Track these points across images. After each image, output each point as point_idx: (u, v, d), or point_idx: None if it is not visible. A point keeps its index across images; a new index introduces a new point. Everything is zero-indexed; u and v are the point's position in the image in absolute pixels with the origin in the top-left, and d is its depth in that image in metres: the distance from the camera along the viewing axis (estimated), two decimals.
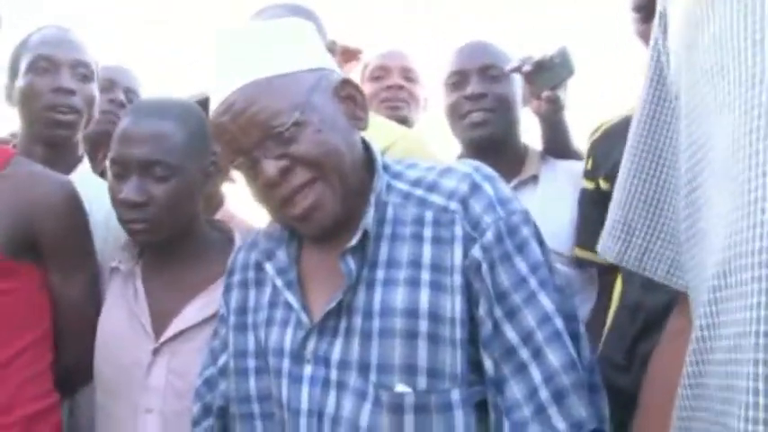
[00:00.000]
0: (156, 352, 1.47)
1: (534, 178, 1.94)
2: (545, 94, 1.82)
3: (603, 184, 1.64)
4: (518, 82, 1.93)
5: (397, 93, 2.34)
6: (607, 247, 1.03)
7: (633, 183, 0.99)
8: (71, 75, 1.74)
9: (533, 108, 1.91)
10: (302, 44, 1.20)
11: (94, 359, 1.54)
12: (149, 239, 1.50)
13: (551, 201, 1.83)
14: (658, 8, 0.94)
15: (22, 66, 1.74)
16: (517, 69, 1.86)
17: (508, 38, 2.22)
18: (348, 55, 2.18)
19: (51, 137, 1.75)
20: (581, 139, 1.98)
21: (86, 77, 1.78)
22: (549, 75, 1.81)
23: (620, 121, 1.66)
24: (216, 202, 1.90)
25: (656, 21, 0.94)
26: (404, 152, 1.73)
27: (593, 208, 1.71)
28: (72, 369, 1.58)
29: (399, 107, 2.32)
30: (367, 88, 2.37)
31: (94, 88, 1.81)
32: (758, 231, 0.68)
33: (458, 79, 1.93)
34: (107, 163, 1.51)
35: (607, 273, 1.72)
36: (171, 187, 1.46)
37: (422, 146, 1.86)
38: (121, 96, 2.20)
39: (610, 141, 1.65)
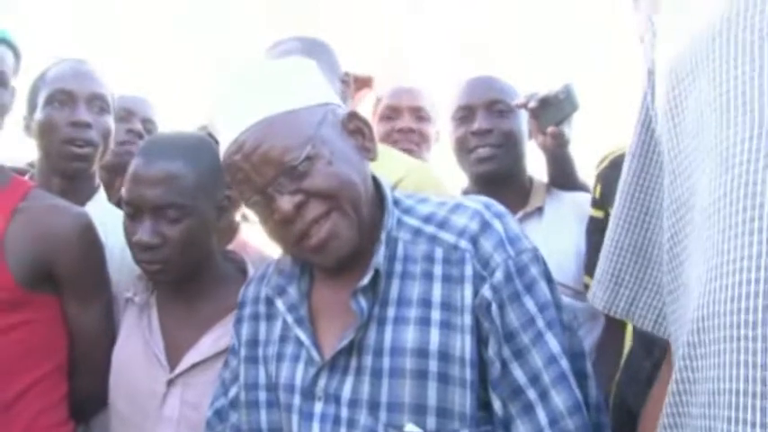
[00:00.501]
0: (170, 383, 1.49)
1: (539, 210, 1.97)
2: (550, 129, 1.85)
3: None
4: (524, 116, 1.96)
5: (408, 135, 2.38)
6: (596, 296, 1.06)
7: (622, 234, 1.01)
8: (87, 108, 1.77)
9: (539, 142, 1.94)
10: (307, 81, 1.23)
11: (109, 389, 1.57)
12: (164, 279, 1.53)
13: (556, 232, 1.87)
14: (647, 65, 0.97)
15: (40, 99, 1.77)
16: (523, 105, 1.89)
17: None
18: (359, 83, 2.20)
19: (68, 169, 1.78)
20: (586, 172, 2.01)
21: (103, 110, 1.81)
22: (553, 111, 1.84)
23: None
24: (230, 231, 1.92)
25: (645, 77, 0.97)
26: (415, 185, 1.76)
27: (601, 237, 1.73)
28: (87, 397, 1.60)
29: (411, 150, 2.35)
30: (378, 127, 2.42)
31: (110, 120, 1.84)
32: (729, 293, 0.70)
33: (464, 114, 1.97)
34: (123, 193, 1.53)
35: None
36: (185, 228, 1.47)
37: (433, 179, 1.89)
38: (139, 126, 2.24)
39: (618, 171, 1.68)
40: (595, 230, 1.78)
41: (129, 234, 1.50)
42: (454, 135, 2.00)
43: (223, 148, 1.20)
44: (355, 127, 1.22)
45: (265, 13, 4.63)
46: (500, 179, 1.95)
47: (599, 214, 1.79)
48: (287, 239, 1.18)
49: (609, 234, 1.04)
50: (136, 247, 1.49)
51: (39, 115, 1.77)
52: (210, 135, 1.74)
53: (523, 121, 1.97)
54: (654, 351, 1.55)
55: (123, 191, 1.51)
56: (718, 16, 0.78)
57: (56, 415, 1.54)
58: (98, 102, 1.79)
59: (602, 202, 1.77)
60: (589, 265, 1.79)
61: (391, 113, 2.43)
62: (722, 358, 0.71)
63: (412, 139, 2.38)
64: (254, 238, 1.97)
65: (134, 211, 1.48)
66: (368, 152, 1.22)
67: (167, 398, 1.48)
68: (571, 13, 4.74)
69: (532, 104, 1.86)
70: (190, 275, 1.54)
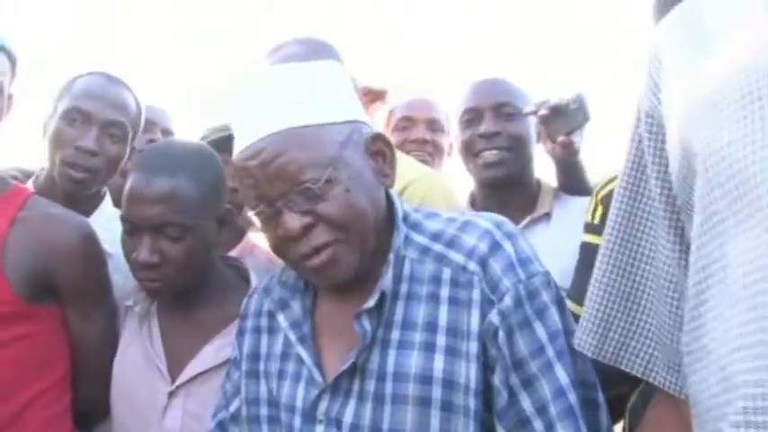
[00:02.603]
0: (171, 394, 1.48)
1: (547, 216, 1.93)
2: (560, 139, 1.82)
3: None
4: (532, 119, 1.92)
5: (423, 146, 2.39)
6: (583, 340, 1.03)
7: (610, 277, 0.99)
8: (100, 134, 1.71)
9: (548, 150, 1.91)
10: (337, 93, 1.17)
11: (111, 399, 1.56)
12: (163, 295, 1.51)
13: (564, 239, 1.80)
14: (645, 108, 0.94)
15: (60, 108, 1.73)
16: (533, 113, 1.85)
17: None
18: (373, 96, 2.19)
19: (63, 188, 1.74)
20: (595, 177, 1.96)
21: (117, 138, 1.74)
22: (564, 120, 1.81)
23: None
24: (233, 239, 1.90)
25: (640, 121, 0.95)
26: (422, 191, 1.75)
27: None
28: (90, 406, 1.60)
29: (425, 161, 2.35)
30: (392, 138, 2.40)
31: (123, 149, 1.77)
32: None
33: (472, 116, 1.92)
34: None
35: None
36: (185, 246, 1.44)
37: (441, 186, 1.86)
38: (159, 136, 2.25)
39: None
40: (592, 258, 1.63)
41: (127, 250, 1.48)
42: (461, 138, 1.95)
43: (237, 150, 1.15)
44: (378, 149, 1.18)
45: (265, 13, 4.61)
46: (507, 184, 1.91)
47: (597, 240, 1.60)
48: (288, 256, 1.15)
49: (596, 277, 1.02)
50: (134, 265, 1.46)
51: (52, 125, 1.73)
52: (222, 141, 1.73)
53: (532, 123, 1.93)
54: (617, 384, 1.43)
55: (122, 208, 1.48)
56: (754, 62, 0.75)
57: (60, 426, 1.53)
58: (114, 129, 1.73)
59: (603, 228, 1.65)
60: (580, 293, 1.58)
61: (406, 124, 2.44)
62: None
63: (426, 150, 2.38)
64: (263, 240, 1.96)
65: (133, 229, 1.45)
66: (385, 178, 1.18)
67: (169, 409, 1.47)
68: (571, 14, 4.73)
69: (543, 112, 1.82)
70: (190, 287, 1.52)
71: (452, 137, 2.20)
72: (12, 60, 1.51)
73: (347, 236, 1.11)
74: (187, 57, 4.32)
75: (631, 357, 0.99)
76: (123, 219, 1.47)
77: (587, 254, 1.65)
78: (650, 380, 0.97)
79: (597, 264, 1.01)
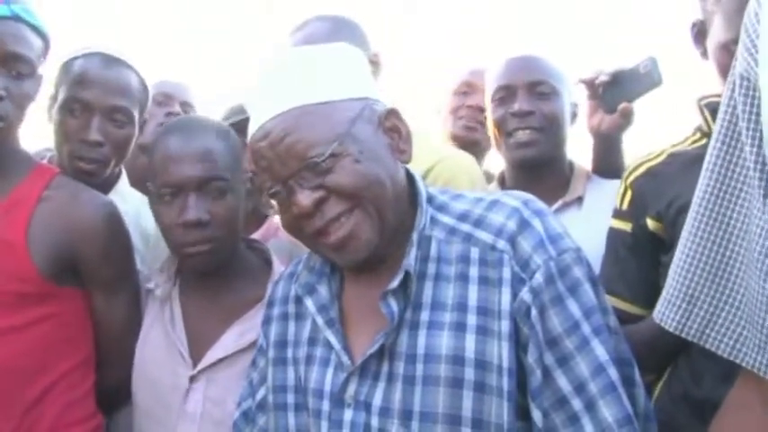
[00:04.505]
0: (193, 379, 1.46)
1: (579, 199, 1.87)
2: (622, 105, 1.74)
3: (653, 224, 1.53)
4: (566, 99, 1.87)
5: (477, 114, 2.31)
6: (665, 315, 0.98)
7: (698, 251, 0.93)
8: (104, 121, 1.64)
9: (593, 125, 1.84)
10: (348, 71, 1.17)
11: (132, 382, 1.54)
12: (209, 262, 1.46)
13: (596, 223, 1.72)
14: (739, 70, 0.87)
15: (60, 94, 1.66)
16: (590, 81, 1.79)
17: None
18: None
19: (75, 176, 1.67)
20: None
21: (122, 122, 1.67)
22: (630, 86, 1.73)
23: (666, 160, 1.56)
24: (255, 219, 1.88)
25: (735, 84, 0.89)
26: (446, 173, 1.71)
27: (628, 252, 1.59)
28: (113, 389, 1.58)
29: (476, 128, 2.32)
30: (449, 101, 2.41)
31: (130, 131, 1.70)
32: None
33: (504, 94, 1.86)
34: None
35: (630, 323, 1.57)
36: (228, 204, 1.45)
37: (467, 168, 1.81)
38: (178, 109, 2.23)
39: (657, 181, 1.55)
40: (621, 245, 1.61)
41: (170, 219, 1.44)
42: (493, 116, 1.88)
43: (251, 132, 1.16)
44: (392, 125, 1.17)
45: (265, 13, 4.61)
46: (539, 165, 1.84)
47: (625, 227, 1.60)
48: (304, 233, 1.14)
49: (681, 249, 0.96)
50: (180, 230, 1.42)
51: (54, 115, 1.67)
52: (239, 123, 1.71)
53: (566, 103, 1.87)
54: (704, 380, 1.41)
55: (158, 175, 1.45)
56: None
57: (83, 408, 1.52)
58: (117, 114, 1.65)
59: (633, 213, 1.59)
60: (608, 281, 1.59)
61: (466, 89, 2.40)
62: None
63: (479, 119, 2.30)
64: None
65: (175, 192, 1.43)
66: (402, 154, 1.17)
67: (190, 393, 1.45)
68: (571, 14, 4.75)
69: (604, 78, 1.74)
70: (222, 262, 1.49)
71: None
72: (46, 42, 1.48)
73: (361, 203, 1.10)
74: (187, 57, 4.31)
75: (717, 336, 0.93)
76: (164, 185, 1.43)
77: (614, 240, 1.63)
78: (738, 361, 0.91)
79: (684, 235, 0.96)
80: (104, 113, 1.64)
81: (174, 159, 1.43)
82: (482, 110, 2.21)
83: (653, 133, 2.01)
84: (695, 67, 1.58)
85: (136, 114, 1.71)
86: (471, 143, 2.29)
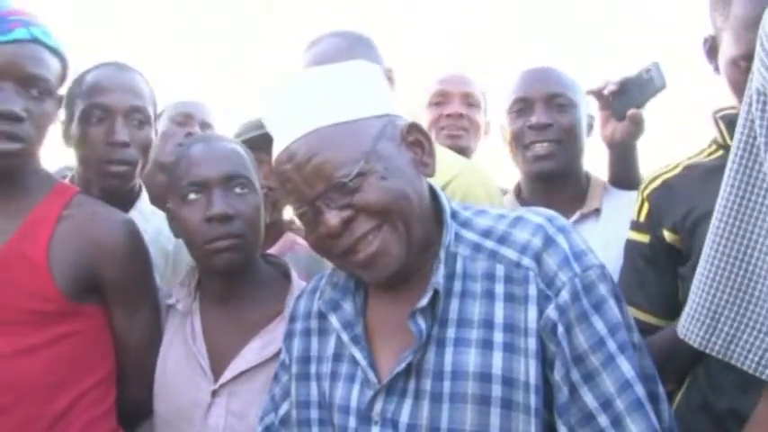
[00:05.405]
0: (215, 393, 1.46)
1: (596, 211, 1.87)
2: (630, 112, 1.75)
3: (669, 236, 1.54)
4: (583, 111, 1.88)
5: (458, 121, 2.29)
6: (690, 331, 0.98)
7: (720, 266, 0.94)
8: (125, 123, 1.70)
9: (607, 135, 1.85)
10: (368, 89, 1.17)
11: (154, 398, 1.54)
12: (233, 260, 1.46)
13: (614, 235, 1.74)
14: (755, 85, 0.88)
15: (77, 110, 1.70)
16: (597, 91, 1.80)
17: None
18: None
19: (106, 186, 1.72)
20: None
21: (141, 123, 1.73)
22: (637, 92, 1.74)
23: (682, 172, 1.57)
24: (273, 232, 1.89)
25: (752, 99, 0.89)
26: (464, 187, 1.71)
27: (647, 265, 1.60)
28: (135, 405, 1.58)
29: (459, 136, 2.29)
30: (427, 114, 2.34)
31: (150, 132, 1.77)
32: None
33: (522, 106, 1.87)
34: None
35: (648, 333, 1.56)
36: (251, 201, 1.49)
37: (483, 180, 1.81)
38: (197, 129, 2.24)
39: (673, 193, 1.56)
40: (639, 256, 1.61)
41: (192, 218, 1.46)
42: (510, 128, 1.89)
43: (275, 155, 1.16)
44: (415, 140, 1.17)
45: (265, 13, 4.60)
46: (556, 177, 1.85)
47: (643, 239, 1.61)
48: (332, 252, 1.15)
49: (703, 265, 0.96)
50: (205, 226, 1.44)
51: (75, 129, 1.71)
52: (259, 138, 1.73)
53: (583, 115, 1.88)
54: (723, 390, 1.41)
55: (182, 179, 1.48)
56: None
57: (105, 424, 1.52)
58: (137, 115, 1.72)
59: (650, 225, 1.59)
60: (627, 292, 1.54)
61: (440, 99, 2.34)
62: None
63: (461, 125, 2.29)
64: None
65: (199, 190, 1.46)
66: (425, 167, 1.17)
67: (212, 407, 1.46)
68: (571, 14, 4.75)
69: (612, 87, 1.75)
70: (237, 271, 1.50)
71: (491, 118, 2.15)
72: (64, 64, 1.49)
73: (390, 218, 1.10)
74: (187, 57, 4.30)
75: (743, 352, 0.94)
76: (191, 184, 1.47)
77: (631, 251, 1.63)
78: (764, 377, 0.92)
79: (705, 250, 0.96)
80: (125, 115, 1.70)
81: (199, 161, 1.49)
82: (461, 115, 2.25)
83: (652, 134, 2.02)
84: (695, 66, 1.60)
85: (152, 116, 1.77)
86: (459, 151, 2.23)
